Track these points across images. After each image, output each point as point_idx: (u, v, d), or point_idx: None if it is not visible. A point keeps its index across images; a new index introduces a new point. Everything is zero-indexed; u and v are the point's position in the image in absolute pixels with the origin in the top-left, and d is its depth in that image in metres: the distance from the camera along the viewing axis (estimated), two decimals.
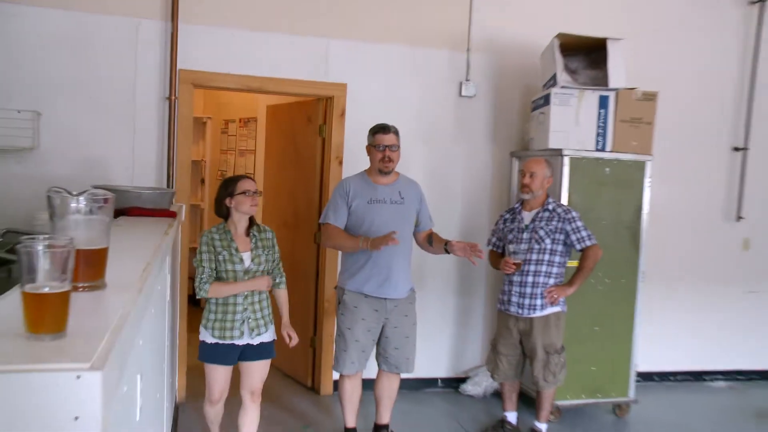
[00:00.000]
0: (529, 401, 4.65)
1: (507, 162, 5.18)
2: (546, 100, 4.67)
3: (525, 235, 4.11)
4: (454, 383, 5.26)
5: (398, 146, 3.92)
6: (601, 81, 4.63)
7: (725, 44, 5.56)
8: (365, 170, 4.05)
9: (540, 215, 4.12)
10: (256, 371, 3.54)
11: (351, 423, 4.10)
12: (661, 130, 4.79)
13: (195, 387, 4.47)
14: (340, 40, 4.81)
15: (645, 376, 5.35)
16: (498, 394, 4.99)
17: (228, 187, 3.50)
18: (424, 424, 4.56)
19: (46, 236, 1.24)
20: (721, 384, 5.76)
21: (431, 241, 4.02)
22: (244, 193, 3.47)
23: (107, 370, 1.04)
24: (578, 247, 4.07)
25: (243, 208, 3.48)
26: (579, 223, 4.09)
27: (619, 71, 4.58)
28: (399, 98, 4.96)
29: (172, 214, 3.90)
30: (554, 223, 4.07)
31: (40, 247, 1.18)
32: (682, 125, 5.31)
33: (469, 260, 3.85)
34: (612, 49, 4.56)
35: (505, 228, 4.27)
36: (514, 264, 4.05)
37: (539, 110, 4.80)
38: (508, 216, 4.31)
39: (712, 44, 5.52)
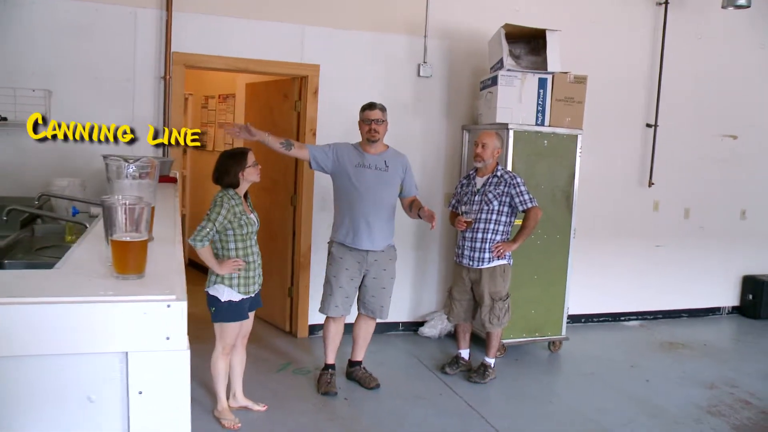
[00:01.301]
0: (479, 341, 5.43)
1: (459, 134, 5.91)
2: (494, 80, 5.40)
3: (476, 198, 4.74)
4: (413, 326, 6.00)
5: (383, 120, 4.49)
6: (541, 65, 5.40)
7: (640, 37, 6.44)
8: (358, 142, 4.60)
9: (490, 181, 4.74)
10: (250, 319, 4.04)
11: (331, 360, 4.63)
12: (590, 109, 5.57)
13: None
14: (315, 27, 5.39)
15: (573, 318, 6.23)
16: (451, 336, 5.79)
17: (239, 160, 3.98)
18: (390, 361, 5.24)
19: (124, 197, 1.57)
20: (634, 323, 6.75)
21: (410, 206, 4.69)
22: (254, 165, 4.03)
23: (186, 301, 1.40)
24: (521, 208, 4.70)
25: (252, 177, 4.01)
26: (522, 188, 4.70)
27: (555, 58, 5.35)
28: (365, 78, 5.57)
29: (173, 180, 4.47)
30: (501, 187, 4.69)
31: (122, 205, 1.49)
32: (606, 105, 6.12)
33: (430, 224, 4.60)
34: (550, 39, 5.33)
35: (461, 191, 4.90)
36: (465, 222, 4.70)
37: (487, 89, 5.53)
38: (464, 181, 4.93)
39: (629, 37, 6.39)
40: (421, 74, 5.75)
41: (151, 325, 1.35)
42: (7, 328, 1.26)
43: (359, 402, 4.48)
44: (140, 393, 1.34)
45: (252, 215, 3.96)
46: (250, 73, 5.77)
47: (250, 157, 3.98)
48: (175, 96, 5.09)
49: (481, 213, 4.74)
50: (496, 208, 4.73)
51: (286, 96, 5.69)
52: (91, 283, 1.45)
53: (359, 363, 4.81)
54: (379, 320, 4.79)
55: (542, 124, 5.41)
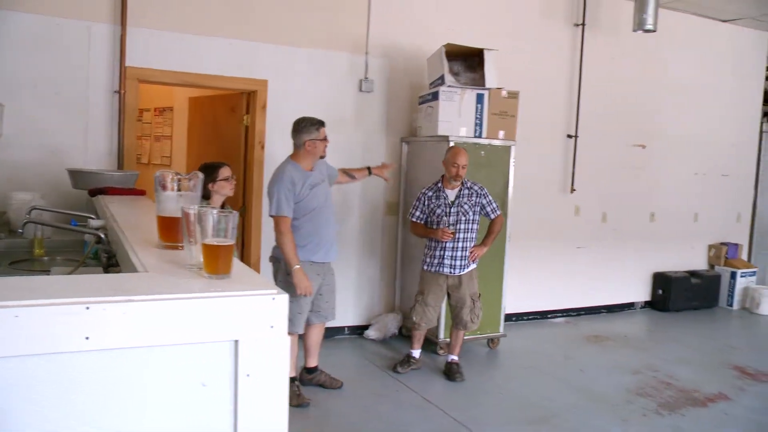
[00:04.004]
0: (425, 341, 5.79)
1: (398, 146, 6.24)
2: (434, 96, 5.75)
3: (453, 210, 5.04)
4: (358, 330, 6.26)
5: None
6: (479, 82, 5.79)
7: (561, 56, 6.98)
8: (292, 160, 4.53)
9: (462, 193, 5.08)
10: None
11: (293, 372, 4.65)
12: (520, 122, 6.01)
13: None
14: (263, 44, 5.59)
15: (507, 317, 6.65)
16: (395, 337, 6.14)
17: (210, 172, 4.15)
18: (340, 363, 5.44)
19: (212, 206, 1.86)
20: (560, 319, 7.25)
21: (351, 174, 5.03)
22: (226, 179, 4.21)
23: None
24: (492, 216, 5.14)
25: (224, 191, 4.20)
26: (490, 198, 5.16)
27: (492, 74, 5.76)
28: (311, 93, 5.80)
29: (143, 193, 4.59)
30: (474, 198, 5.09)
31: (213, 213, 1.67)
32: (533, 118, 6.55)
33: (383, 178, 5.09)
34: (487, 58, 5.74)
35: (431, 204, 5.11)
36: (451, 233, 4.97)
37: (427, 104, 5.88)
38: (431, 194, 5.14)
39: (552, 55, 6.92)
40: (362, 89, 6.04)
41: (258, 316, 1.56)
42: (136, 322, 1.46)
43: (324, 403, 4.70)
44: (248, 375, 1.55)
45: None
46: (201, 87, 5.91)
47: (223, 172, 4.15)
48: (128, 110, 5.18)
49: (460, 223, 5.05)
50: (471, 217, 5.10)
51: (233, 110, 5.87)
52: (194, 282, 1.66)
53: (316, 368, 4.97)
54: (328, 324, 4.98)
55: (480, 137, 5.80)
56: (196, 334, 1.53)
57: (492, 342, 6.11)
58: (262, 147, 5.70)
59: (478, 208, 5.12)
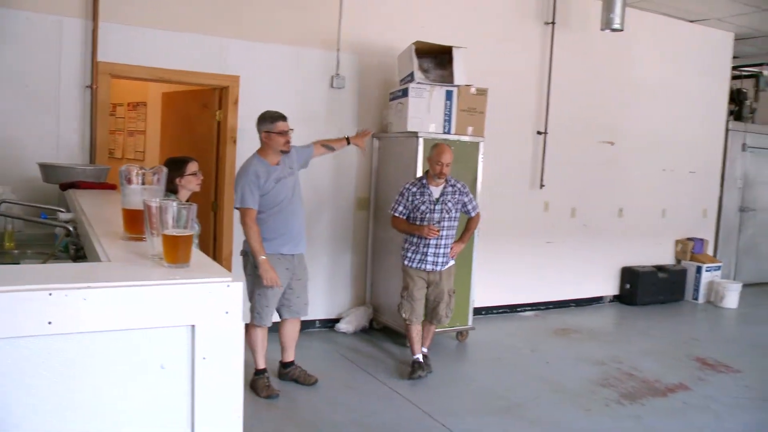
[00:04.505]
0: (395, 334, 5.91)
1: (369, 141, 6.30)
2: (404, 92, 5.84)
3: (437, 207, 5.04)
4: (329, 323, 6.34)
5: (292, 129, 4.65)
6: (448, 78, 5.89)
7: (532, 53, 7.10)
8: (258, 154, 4.61)
9: (446, 190, 5.07)
10: None
11: (263, 364, 4.73)
12: (490, 118, 6.11)
13: None
14: (236, 40, 5.65)
15: (476, 310, 6.74)
16: (366, 330, 6.24)
17: (177, 167, 4.20)
18: (313, 356, 5.51)
19: (172, 199, 1.95)
20: (529, 313, 7.39)
21: (330, 146, 5.15)
22: (193, 174, 4.27)
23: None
24: (472, 213, 5.20)
25: (190, 186, 4.25)
26: (471, 196, 5.21)
27: (461, 72, 5.86)
28: (282, 88, 5.87)
29: (113, 187, 4.63)
30: (457, 196, 5.09)
31: (173, 206, 1.76)
32: (503, 114, 6.66)
33: (359, 146, 5.27)
34: (456, 55, 5.84)
35: (416, 200, 5.07)
36: (437, 231, 4.97)
37: (398, 100, 5.97)
38: (414, 189, 5.10)
39: (523, 53, 7.04)
40: (333, 86, 6.11)
41: (213, 303, 1.64)
42: (97, 307, 1.53)
43: (293, 394, 4.77)
44: (204, 359, 1.63)
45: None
46: (174, 83, 5.94)
47: (191, 167, 4.20)
48: (101, 105, 5.22)
49: (444, 221, 5.07)
50: (454, 215, 5.14)
51: (206, 105, 5.92)
52: (154, 270, 1.74)
53: (292, 362, 5.01)
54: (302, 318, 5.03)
55: (448, 133, 5.89)
56: (155, 320, 1.61)
57: (461, 335, 6.22)
58: (234, 142, 5.75)
59: (460, 206, 5.16)
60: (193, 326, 1.63)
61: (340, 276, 6.42)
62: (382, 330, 6.27)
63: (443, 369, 5.37)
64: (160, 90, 6.73)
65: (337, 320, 6.35)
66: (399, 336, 5.95)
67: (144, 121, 7.24)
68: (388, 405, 4.65)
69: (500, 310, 7.25)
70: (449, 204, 5.08)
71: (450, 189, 5.11)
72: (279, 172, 4.63)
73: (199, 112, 6.00)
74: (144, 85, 7.06)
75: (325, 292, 6.33)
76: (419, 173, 5.70)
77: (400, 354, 5.71)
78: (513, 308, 7.34)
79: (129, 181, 2.23)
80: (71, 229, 2.76)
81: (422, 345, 5.34)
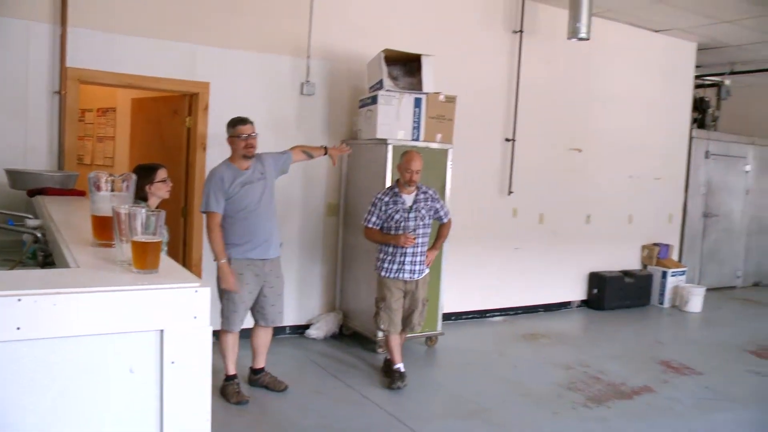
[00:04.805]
0: (365, 340, 5.95)
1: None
2: (374, 99, 5.89)
3: (412, 215, 5.03)
4: (299, 329, 6.35)
5: (257, 134, 4.68)
6: (416, 86, 5.95)
7: (500, 61, 7.20)
8: (228, 159, 4.69)
9: (418, 197, 5.08)
10: None
11: (233, 370, 4.73)
12: (459, 125, 6.17)
13: None
14: (206, 46, 5.65)
15: (445, 316, 6.79)
16: (336, 336, 6.26)
17: (147, 174, 4.21)
18: (284, 362, 5.52)
19: (141, 206, 1.99)
20: (498, 318, 7.46)
21: (309, 153, 5.19)
22: (163, 180, 4.27)
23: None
24: (445, 220, 5.23)
25: (160, 193, 4.25)
26: (443, 202, 5.28)
27: (430, 79, 5.93)
28: (253, 95, 5.87)
29: (82, 193, 4.62)
30: (429, 203, 5.11)
31: (142, 213, 1.80)
32: (472, 121, 6.73)
33: (332, 159, 5.33)
34: (425, 63, 5.90)
35: (388, 209, 5.05)
36: (414, 239, 4.97)
37: (367, 107, 6.01)
38: (387, 199, 5.07)
39: (491, 61, 7.14)
40: (304, 92, 6.13)
41: (182, 308, 1.66)
42: (66, 313, 1.55)
43: (263, 400, 4.78)
44: (173, 363, 1.65)
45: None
46: (144, 89, 5.93)
47: (160, 174, 4.20)
48: (69, 111, 5.19)
49: (418, 228, 5.07)
50: (428, 221, 5.16)
51: (176, 112, 5.92)
52: (122, 276, 1.76)
53: (263, 369, 5.01)
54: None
55: (417, 140, 5.95)
56: (124, 325, 1.63)
57: (430, 340, 6.27)
58: (204, 149, 5.76)
59: (433, 212, 5.17)
60: (161, 331, 1.66)
61: (310, 282, 6.44)
62: (352, 336, 6.31)
63: (413, 374, 5.40)
64: (129, 96, 6.71)
65: (307, 326, 6.36)
66: (369, 342, 5.98)
67: (113, 126, 7.20)
68: (358, 410, 4.68)
69: (469, 316, 7.32)
70: (423, 211, 5.09)
71: (422, 196, 5.12)
72: (247, 177, 4.66)
73: (168, 118, 6.00)
74: (113, 90, 7.03)
75: (295, 298, 6.34)
76: (389, 179, 5.75)
77: (370, 359, 5.74)
78: (482, 314, 7.40)
79: (98, 188, 2.25)
80: (39, 235, 2.75)
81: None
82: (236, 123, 4.65)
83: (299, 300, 6.37)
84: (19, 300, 1.51)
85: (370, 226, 5.14)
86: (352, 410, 4.67)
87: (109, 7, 5.26)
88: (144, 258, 1.80)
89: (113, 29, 5.27)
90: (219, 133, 5.63)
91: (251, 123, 4.67)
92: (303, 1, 6.00)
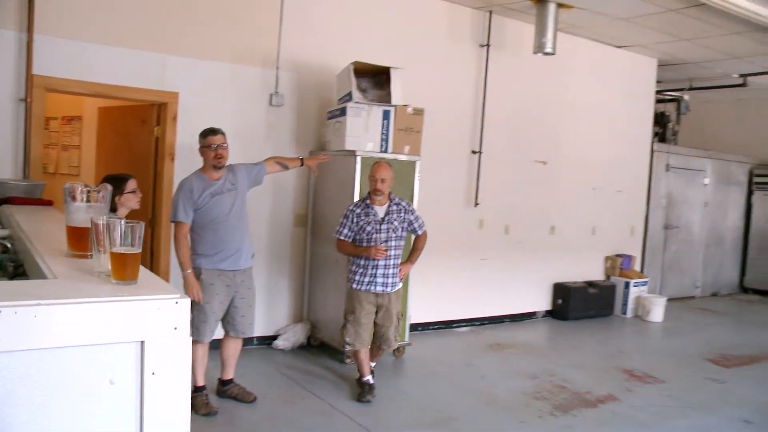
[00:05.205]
0: (333, 350, 5.97)
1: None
2: (342, 111, 5.92)
3: (384, 227, 4.98)
4: (266, 340, 6.33)
5: (227, 144, 4.69)
6: (385, 98, 6.01)
7: (467, 75, 7.30)
8: (200, 169, 4.69)
9: (391, 209, 5.03)
10: None
11: (202, 381, 4.70)
12: (426, 138, 6.24)
13: None
14: (175, 56, 5.63)
15: (412, 326, 6.81)
16: (304, 347, 6.26)
17: (117, 185, 4.15)
18: (253, 373, 5.48)
19: (120, 218, 2.01)
20: (465, 328, 7.53)
21: (284, 164, 5.20)
22: (133, 191, 4.25)
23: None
24: (419, 232, 5.17)
25: (130, 204, 4.23)
26: (417, 214, 5.21)
27: (398, 92, 5.98)
28: (222, 105, 5.86)
29: (50, 203, 4.58)
30: (402, 215, 5.06)
31: (121, 223, 1.80)
32: (439, 134, 6.82)
33: (312, 170, 5.40)
34: (394, 75, 5.96)
35: (360, 221, 5.01)
36: (384, 250, 4.92)
37: (336, 119, 6.05)
38: (359, 210, 5.05)
39: (459, 74, 7.23)
40: (272, 103, 6.14)
41: (162, 319, 1.68)
42: (47, 324, 1.55)
43: (232, 412, 4.76)
44: (153, 374, 1.66)
45: None
46: (112, 98, 5.88)
47: (130, 185, 4.19)
48: (35, 119, 5.13)
49: (391, 240, 5.01)
50: (401, 234, 5.08)
51: (144, 121, 5.88)
52: (102, 287, 1.77)
53: (231, 380, 4.99)
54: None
55: (386, 151, 5.99)
56: (105, 336, 1.63)
57: (397, 351, 6.29)
58: (173, 159, 5.73)
59: (406, 224, 5.12)
60: (142, 342, 1.67)
61: (278, 292, 6.44)
62: (320, 346, 6.31)
63: (381, 384, 5.41)
64: (96, 104, 6.65)
65: (274, 337, 6.35)
66: (337, 352, 6.00)
67: (79, 135, 7.12)
68: (327, 422, 4.69)
69: (436, 326, 7.37)
70: (395, 223, 5.04)
71: (395, 208, 5.09)
72: (217, 187, 4.67)
73: (136, 127, 5.96)
74: (79, 98, 6.95)
75: (263, 309, 6.31)
76: (357, 191, 5.78)
77: (338, 370, 5.76)
78: (449, 324, 7.46)
79: (74, 199, 2.25)
80: (8, 245, 2.73)
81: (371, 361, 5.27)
82: (207, 133, 4.66)
83: (267, 311, 6.35)
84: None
85: (342, 238, 5.12)
86: (322, 421, 4.68)
87: (77, 14, 5.22)
88: (124, 269, 1.81)
89: (81, 37, 5.22)
90: (188, 143, 5.67)
91: (222, 133, 4.68)
92: (272, 12, 6.03)
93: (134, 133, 6.00)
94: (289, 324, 6.44)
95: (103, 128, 6.47)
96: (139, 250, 1.84)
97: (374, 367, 5.39)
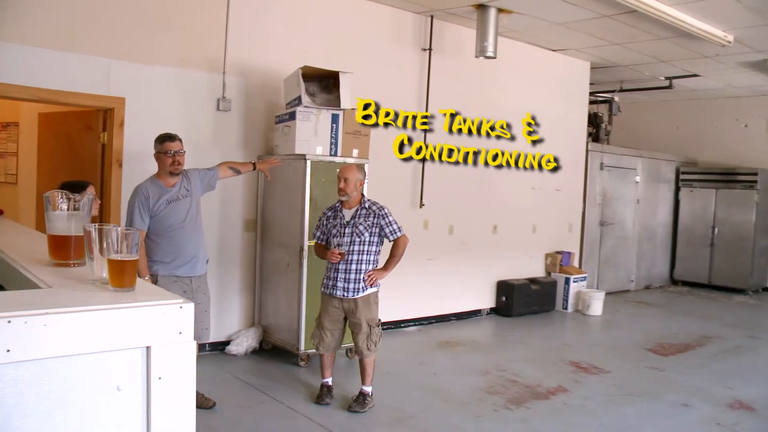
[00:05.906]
0: (286, 353, 5.98)
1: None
2: (291, 116, 5.95)
3: (347, 230, 4.88)
4: (219, 346, 6.30)
5: (185, 150, 4.71)
6: (334, 102, 6.06)
7: (410, 78, 7.43)
8: (154, 175, 4.68)
9: (359, 212, 4.92)
10: None
11: None
12: (373, 140, 6.36)
13: None
14: (120, 61, 5.55)
15: None
16: (256, 352, 6.26)
17: (77, 192, 4.13)
18: (208, 379, 5.38)
19: (115, 225, 2.03)
20: (413, 328, 7.65)
21: (236, 169, 5.23)
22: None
23: None
24: (391, 238, 4.95)
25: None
26: (391, 218, 4.96)
27: (347, 96, 6.04)
28: (169, 110, 5.81)
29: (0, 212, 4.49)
30: (371, 219, 4.90)
31: (117, 230, 1.83)
32: (386, 137, 6.98)
33: (265, 174, 5.40)
34: (343, 79, 6.02)
35: (329, 224, 4.99)
36: (339, 254, 4.84)
37: (284, 123, 6.06)
38: (330, 213, 5.03)
39: (402, 77, 7.35)
40: (220, 108, 6.13)
41: (168, 324, 1.71)
42: (56, 333, 1.55)
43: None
44: (159, 378, 1.69)
45: None
46: (54, 104, 5.75)
47: (90, 191, 4.15)
48: None
49: (353, 245, 4.88)
50: (367, 239, 4.91)
51: (89, 127, 5.78)
52: (104, 295, 1.78)
53: None
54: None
55: (335, 155, 6.05)
56: (113, 343, 1.66)
57: (350, 352, 6.36)
58: (120, 165, 5.65)
59: (377, 229, 4.94)
60: (148, 347, 1.70)
61: (229, 298, 6.42)
62: (273, 350, 6.32)
63: (336, 385, 5.48)
64: (36, 110, 6.48)
65: (227, 342, 6.32)
66: (291, 355, 6.02)
67: (15, 142, 6.93)
68: (288, 424, 4.71)
69: (385, 327, 7.38)
70: (360, 227, 4.90)
71: (363, 212, 4.95)
72: (173, 194, 4.66)
73: (81, 133, 5.85)
74: (15, 104, 6.75)
75: (215, 315, 6.24)
76: (307, 195, 5.82)
77: (293, 373, 5.79)
78: (397, 324, 7.56)
79: (54, 207, 2.24)
80: None
81: (364, 383, 5.12)
82: (164, 139, 4.64)
83: (218, 316, 6.31)
84: (9, 322, 1.52)
85: (316, 240, 5.15)
86: (283, 424, 4.71)
87: (18, 17, 5.10)
88: (122, 276, 1.83)
89: (22, 41, 5.09)
90: (135, 150, 5.60)
91: (179, 140, 4.68)
92: (219, 16, 6.02)
93: (79, 140, 5.88)
94: (241, 329, 6.43)
95: (44, 134, 6.32)
96: (137, 257, 1.86)
97: (368, 390, 5.15)
